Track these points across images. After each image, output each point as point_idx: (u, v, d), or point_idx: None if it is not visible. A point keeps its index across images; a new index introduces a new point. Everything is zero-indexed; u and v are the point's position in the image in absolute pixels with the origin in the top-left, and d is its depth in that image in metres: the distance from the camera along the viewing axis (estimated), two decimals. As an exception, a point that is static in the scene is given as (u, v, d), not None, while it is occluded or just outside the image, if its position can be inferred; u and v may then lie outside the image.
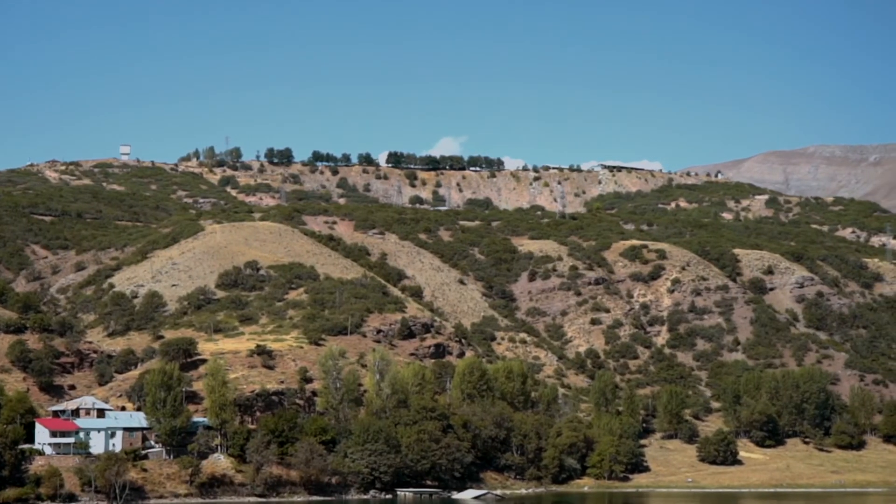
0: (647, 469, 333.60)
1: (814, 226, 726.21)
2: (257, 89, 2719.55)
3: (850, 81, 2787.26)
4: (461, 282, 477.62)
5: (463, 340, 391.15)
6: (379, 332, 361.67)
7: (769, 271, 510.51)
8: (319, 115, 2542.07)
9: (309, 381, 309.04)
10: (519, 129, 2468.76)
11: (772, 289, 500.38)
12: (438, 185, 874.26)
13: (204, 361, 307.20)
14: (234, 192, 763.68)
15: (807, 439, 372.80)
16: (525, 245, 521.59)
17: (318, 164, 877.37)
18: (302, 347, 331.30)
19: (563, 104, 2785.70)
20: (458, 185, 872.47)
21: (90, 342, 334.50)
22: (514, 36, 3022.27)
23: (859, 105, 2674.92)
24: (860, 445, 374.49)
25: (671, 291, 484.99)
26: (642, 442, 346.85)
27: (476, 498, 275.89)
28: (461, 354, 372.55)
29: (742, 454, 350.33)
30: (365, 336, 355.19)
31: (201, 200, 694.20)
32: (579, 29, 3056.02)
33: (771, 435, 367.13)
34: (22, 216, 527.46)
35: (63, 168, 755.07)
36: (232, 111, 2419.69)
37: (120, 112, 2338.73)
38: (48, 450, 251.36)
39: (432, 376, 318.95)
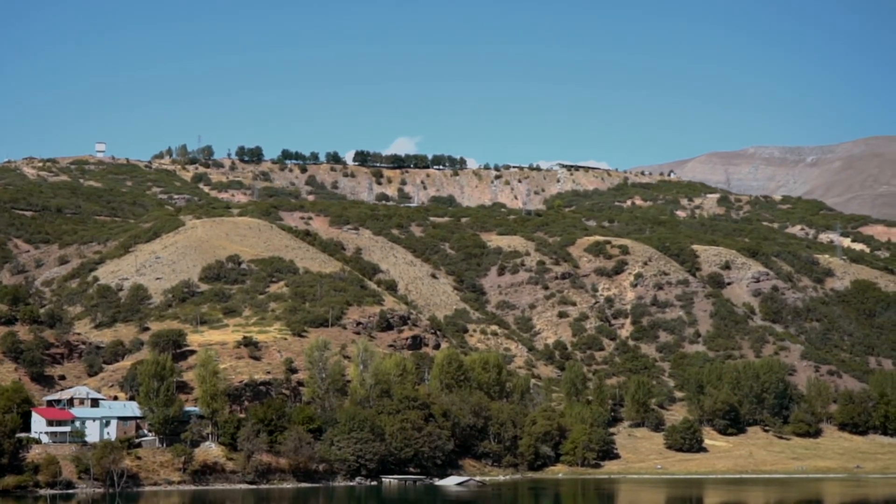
0: (617, 456, 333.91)
1: (765, 223, 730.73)
2: (228, 90, 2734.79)
3: (788, 85, 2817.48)
4: (433, 276, 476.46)
5: (438, 332, 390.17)
6: (358, 324, 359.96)
7: (726, 266, 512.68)
8: (287, 115, 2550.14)
9: (294, 371, 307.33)
10: (470, 129, 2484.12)
11: (729, 283, 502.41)
12: (403, 182, 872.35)
13: (193, 352, 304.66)
14: (206, 189, 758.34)
15: (766, 427, 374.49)
16: (493, 240, 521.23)
17: (288, 162, 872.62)
18: (286, 339, 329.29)
19: (512, 103, 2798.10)
20: (422, 182, 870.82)
21: (78, 333, 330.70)
22: (464, 39, 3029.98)
23: (797, 108, 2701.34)
24: (817, 433, 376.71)
25: (634, 285, 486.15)
26: (611, 430, 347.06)
27: (458, 484, 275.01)
28: (437, 346, 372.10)
29: (707, 442, 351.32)
30: (345, 328, 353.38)
31: (176, 197, 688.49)
32: (524, 30, 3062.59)
33: (733, 423, 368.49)
34: (3, 211, 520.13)
35: (40, 165, 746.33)
36: (204, 111, 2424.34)
37: (95, 111, 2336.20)
38: (45, 438, 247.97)
39: (413, 367, 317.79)
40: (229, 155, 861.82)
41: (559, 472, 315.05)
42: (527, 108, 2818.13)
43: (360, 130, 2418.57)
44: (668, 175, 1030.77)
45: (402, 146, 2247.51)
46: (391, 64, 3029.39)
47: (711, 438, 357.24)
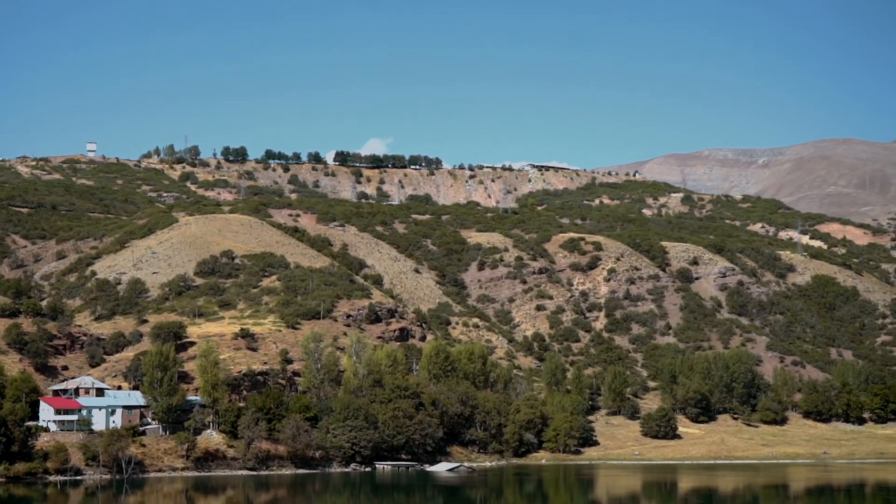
0: (596, 443, 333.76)
1: (727, 221, 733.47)
2: (214, 93, 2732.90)
3: (741, 90, 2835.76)
4: (417, 271, 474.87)
5: (424, 325, 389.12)
6: (349, 316, 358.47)
7: (694, 262, 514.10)
8: (270, 117, 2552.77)
9: (290, 361, 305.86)
10: (439, 130, 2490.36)
11: (697, 278, 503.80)
12: (382, 181, 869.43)
13: (192, 344, 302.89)
14: (194, 188, 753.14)
15: (735, 415, 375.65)
16: (473, 237, 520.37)
17: (271, 161, 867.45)
18: (280, 331, 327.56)
19: (477, 105, 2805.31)
20: (399, 182, 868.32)
21: (79, 326, 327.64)
22: (432, 44, 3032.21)
23: (750, 112, 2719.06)
24: (783, 421, 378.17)
25: (607, 280, 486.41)
26: (590, 418, 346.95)
27: (449, 470, 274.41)
28: (423, 338, 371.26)
29: (680, 429, 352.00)
30: (336, 321, 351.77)
31: (164, 195, 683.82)
32: (487, 34, 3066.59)
33: (704, 411, 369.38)
34: (0, 208, 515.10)
35: (34, 163, 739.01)
36: (190, 112, 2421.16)
37: (85, 111, 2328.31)
38: (52, 427, 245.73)
39: (403, 358, 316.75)
40: (215, 155, 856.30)
41: (542, 458, 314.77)
42: (491, 109, 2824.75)
43: (336, 132, 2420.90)
44: (633, 175, 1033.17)
45: (374, 147, 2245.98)
46: (364, 68, 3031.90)
47: (684, 426, 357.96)
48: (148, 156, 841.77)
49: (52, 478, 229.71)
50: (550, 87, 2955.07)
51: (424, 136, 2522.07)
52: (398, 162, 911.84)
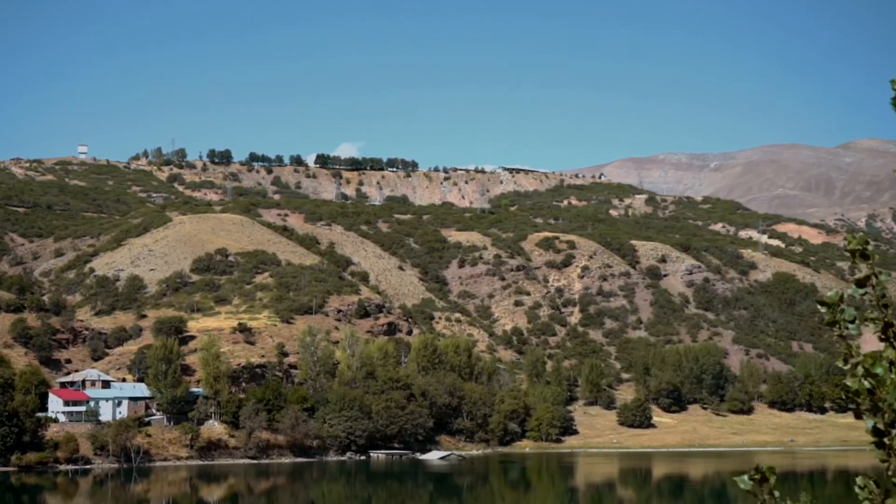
0: (576, 432, 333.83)
1: (690, 221, 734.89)
2: (199, 97, 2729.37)
3: (693, 96, 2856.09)
4: (400, 268, 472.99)
5: (409, 319, 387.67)
6: (339, 311, 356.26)
7: (662, 260, 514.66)
8: (253, 121, 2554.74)
9: (286, 354, 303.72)
10: (407, 134, 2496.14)
11: (665, 275, 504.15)
12: (361, 183, 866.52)
13: (192, 338, 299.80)
14: (181, 188, 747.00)
15: (705, 405, 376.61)
16: (453, 236, 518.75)
17: (255, 164, 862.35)
18: (276, 325, 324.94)
19: (444, 108, 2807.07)
20: (377, 183, 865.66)
21: (81, 320, 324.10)
22: (399, 50, 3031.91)
23: (703, 117, 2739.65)
24: (750, 410, 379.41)
25: (581, 277, 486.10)
26: (569, 408, 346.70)
27: (441, 459, 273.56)
28: (409, 332, 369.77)
29: (655, 419, 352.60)
30: (327, 315, 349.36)
31: (154, 195, 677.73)
32: (449, 40, 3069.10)
33: (676, 402, 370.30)
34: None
35: (27, 165, 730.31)
36: (177, 116, 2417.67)
37: (75, 115, 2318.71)
38: (61, 418, 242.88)
39: (394, 351, 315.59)
40: (201, 157, 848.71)
41: (526, 446, 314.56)
42: (457, 112, 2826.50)
43: (312, 136, 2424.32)
44: (599, 177, 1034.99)
45: (346, 151, 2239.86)
46: (337, 74, 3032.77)
47: (658, 416, 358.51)
48: (137, 158, 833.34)
49: (62, 467, 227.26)
50: (514, 90, 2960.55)
51: (394, 140, 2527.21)
52: (376, 164, 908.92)
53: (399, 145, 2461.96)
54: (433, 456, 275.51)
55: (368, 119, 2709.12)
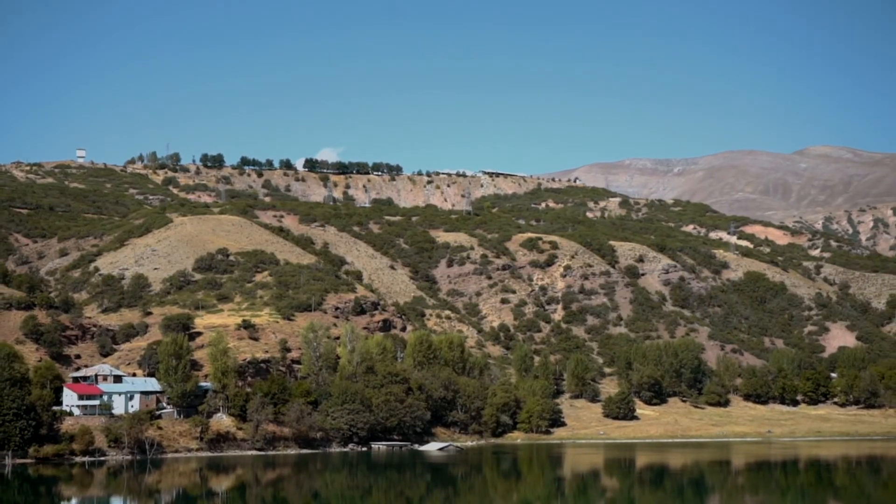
0: (564, 424, 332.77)
1: (662, 223, 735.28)
2: (192, 103, 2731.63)
3: (658, 104, 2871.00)
4: (392, 267, 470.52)
5: (403, 316, 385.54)
6: (337, 308, 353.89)
7: (640, 259, 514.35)
8: (244, 126, 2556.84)
9: (288, 350, 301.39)
10: (386, 139, 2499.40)
11: (643, 274, 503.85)
12: (348, 186, 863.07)
13: (199, 334, 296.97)
14: (175, 191, 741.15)
15: (684, 398, 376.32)
16: (441, 237, 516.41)
17: (246, 167, 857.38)
18: (277, 322, 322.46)
19: (421, 113, 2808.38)
20: (364, 186, 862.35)
21: (88, 317, 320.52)
22: (375, 59, 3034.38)
23: (667, 124, 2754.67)
24: (726, 403, 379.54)
25: (564, 276, 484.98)
26: (556, 401, 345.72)
27: (440, 449, 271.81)
28: (403, 328, 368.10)
29: (638, 411, 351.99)
30: (325, 312, 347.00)
31: (150, 197, 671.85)
32: (416, 47, 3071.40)
33: (657, 395, 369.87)
34: (3, 209, 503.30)
35: (27, 168, 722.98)
36: (171, 121, 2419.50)
37: (73, 120, 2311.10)
38: (76, 411, 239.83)
39: (392, 347, 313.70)
40: (194, 161, 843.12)
41: (517, 438, 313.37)
42: (438, 118, 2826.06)
43: (296, 141, 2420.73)
44: (574, 181, 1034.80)
45: (326, 156, 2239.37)
46: (320, 82, 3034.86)
47: (640, 408, 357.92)
48: (133, 161, 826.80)
49: (77, 459, 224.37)
50: (489, 95, 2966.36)
51: (373, 145, 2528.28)
52: (362, 168, 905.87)
53: (378, 150, 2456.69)
54: (432, 447, 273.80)
55: (348, 124, 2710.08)
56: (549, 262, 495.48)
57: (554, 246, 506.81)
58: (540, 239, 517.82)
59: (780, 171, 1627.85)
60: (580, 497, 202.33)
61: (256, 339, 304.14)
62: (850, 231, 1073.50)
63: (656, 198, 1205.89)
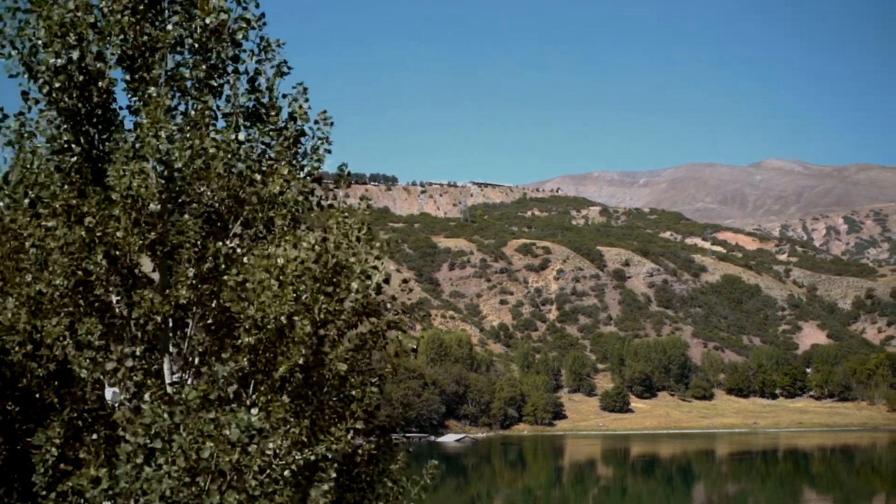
0: (565, 417, 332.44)
1: (641, 230, 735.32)
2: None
3: (624, 117, 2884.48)
4: (398, 270, 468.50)
5: (410, 316, 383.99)
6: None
7: (626, 263, 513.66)
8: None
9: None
10: (370, 151, 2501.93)
11: (629, 277, 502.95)
12: (347, 195, 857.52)
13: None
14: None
15: (672, 392, 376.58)
16: (442, 242, 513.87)
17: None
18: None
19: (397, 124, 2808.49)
20: (361, 196, 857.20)
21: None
22: (354, 68, 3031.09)
23: (632, 137, 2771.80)
24: (711, 396, 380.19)
25: (557, 279, 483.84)
26: (556, 395, 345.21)
27: (457, 441, 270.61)
28: (413, 327, 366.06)
29: (632, 405, 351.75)
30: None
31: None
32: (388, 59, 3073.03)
33: (647, 389, 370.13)
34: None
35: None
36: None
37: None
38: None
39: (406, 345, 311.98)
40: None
41: (524, 430, 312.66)
42: (411, 129, 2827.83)
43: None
44: (557, 191, 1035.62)
45: (324, 167, 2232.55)
46: (319, 102, 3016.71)
47: (634, 402, 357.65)
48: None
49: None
50: (471, 108, 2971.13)
51: (359, 155, 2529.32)
52: (360, 179, 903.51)
53: (367, 161, 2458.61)
54: (449, 438, 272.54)
55: (346, 139, 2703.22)
56: (543, 266, 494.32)
57: (547, 251, 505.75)
58: (534, 244, 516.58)
59: (738, 183, 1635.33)
60: (577, 485, 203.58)
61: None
62: (805, 238, 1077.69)
63: (625, 207, 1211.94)
